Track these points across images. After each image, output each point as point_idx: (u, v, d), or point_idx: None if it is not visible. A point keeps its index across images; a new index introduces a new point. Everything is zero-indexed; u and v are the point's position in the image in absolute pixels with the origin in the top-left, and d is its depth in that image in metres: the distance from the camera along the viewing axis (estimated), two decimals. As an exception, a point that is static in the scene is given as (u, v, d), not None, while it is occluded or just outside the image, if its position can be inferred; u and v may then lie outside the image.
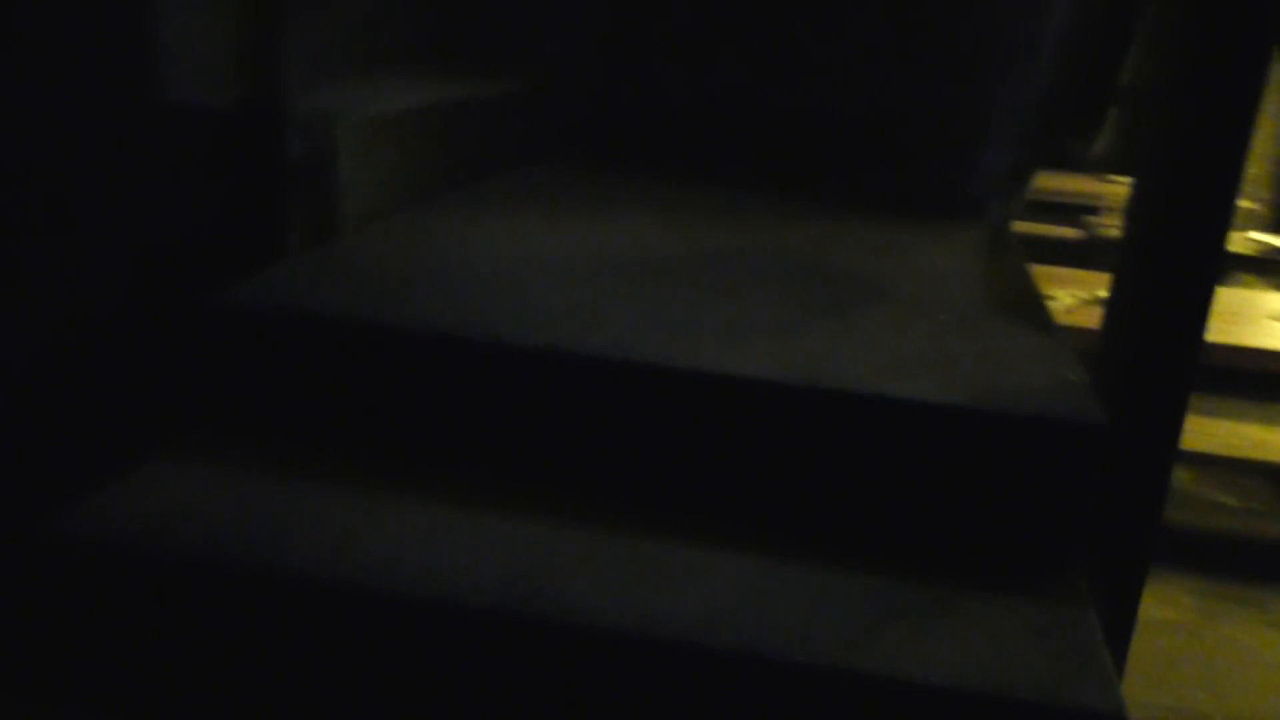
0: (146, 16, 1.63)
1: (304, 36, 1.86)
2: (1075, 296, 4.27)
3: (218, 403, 1.53)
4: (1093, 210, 5.09)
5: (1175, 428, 1.41)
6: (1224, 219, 1.31)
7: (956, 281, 1.87)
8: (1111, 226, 5.07)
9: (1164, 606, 3.26)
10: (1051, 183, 4.76)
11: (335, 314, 1.51)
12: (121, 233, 1.69)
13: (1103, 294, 4.24)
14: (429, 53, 2.41)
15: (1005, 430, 1.30)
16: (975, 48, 2.03)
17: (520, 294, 1.65)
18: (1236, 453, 3.50)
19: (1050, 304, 4.12)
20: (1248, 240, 5.52)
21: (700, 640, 1.17)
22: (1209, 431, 3.74)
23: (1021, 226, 3.12)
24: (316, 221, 1.85)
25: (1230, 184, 1.33)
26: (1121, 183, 4.89)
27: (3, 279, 1.54)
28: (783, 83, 2.35)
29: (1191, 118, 1.26)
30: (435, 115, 2.15)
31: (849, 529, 1.39)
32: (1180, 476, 4.00)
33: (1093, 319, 4.00)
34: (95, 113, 1.62)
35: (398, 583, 1.24)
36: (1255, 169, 6.83)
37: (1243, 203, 6.49)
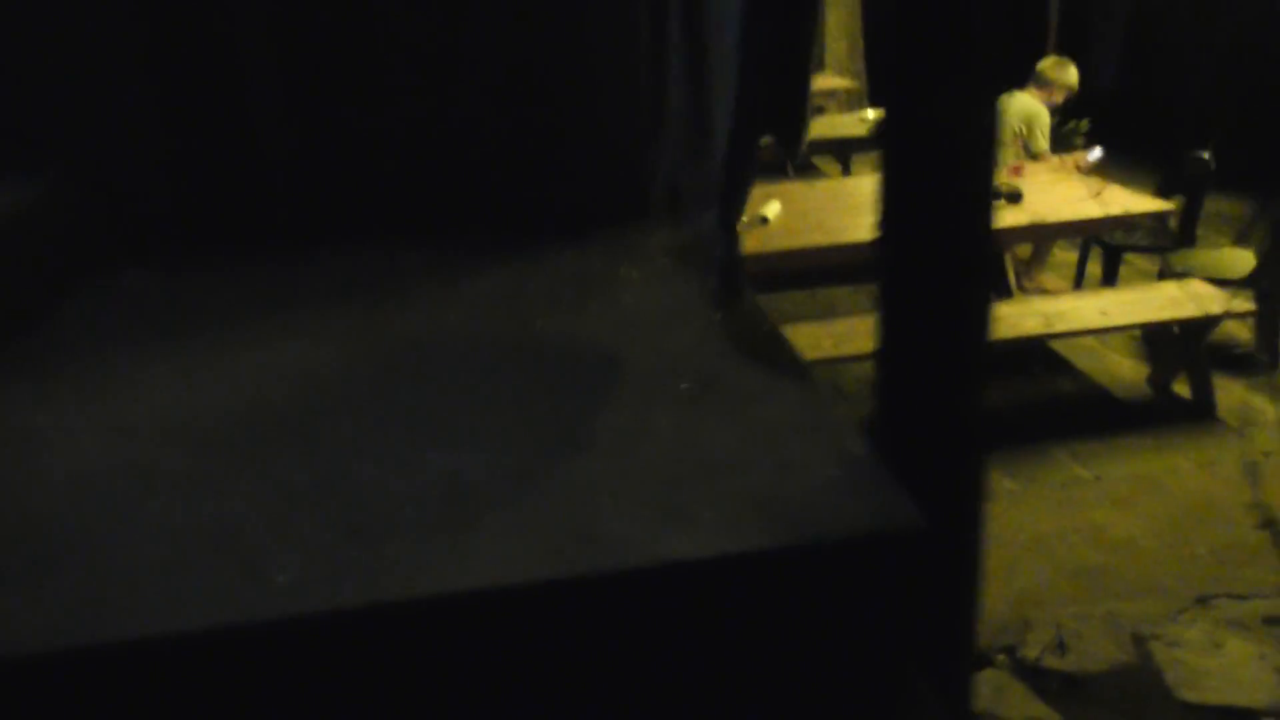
0: None
1: None
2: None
3: None
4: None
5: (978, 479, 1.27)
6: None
7: (679, 324, 1.62)
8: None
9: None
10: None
11: None
12: None
13: (764, 212, 4.22)
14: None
15: (814, 563, 1.08)
16: (608, 53, 1.76)
17: (123, 545, 1.16)
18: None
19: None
20: (861, 120, 5.83)
21: None
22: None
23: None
24: None
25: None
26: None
27: None
28: (411, 106, 1.95)
29: None
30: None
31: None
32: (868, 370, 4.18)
33: (760, 241, 3.99)
34: None
35: None
36: (839, 44, 7.24)
37: (843, 82, 6.87)
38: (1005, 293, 4.19)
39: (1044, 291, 4.49)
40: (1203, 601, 2.60)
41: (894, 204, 1.17)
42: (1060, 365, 4.06)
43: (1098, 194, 3.84)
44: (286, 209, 1.94)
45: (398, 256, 1.92)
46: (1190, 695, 2.23)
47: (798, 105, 1.38)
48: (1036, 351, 4.05)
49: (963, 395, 1.21)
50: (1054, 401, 3.93)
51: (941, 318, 1.17)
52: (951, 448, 1.22)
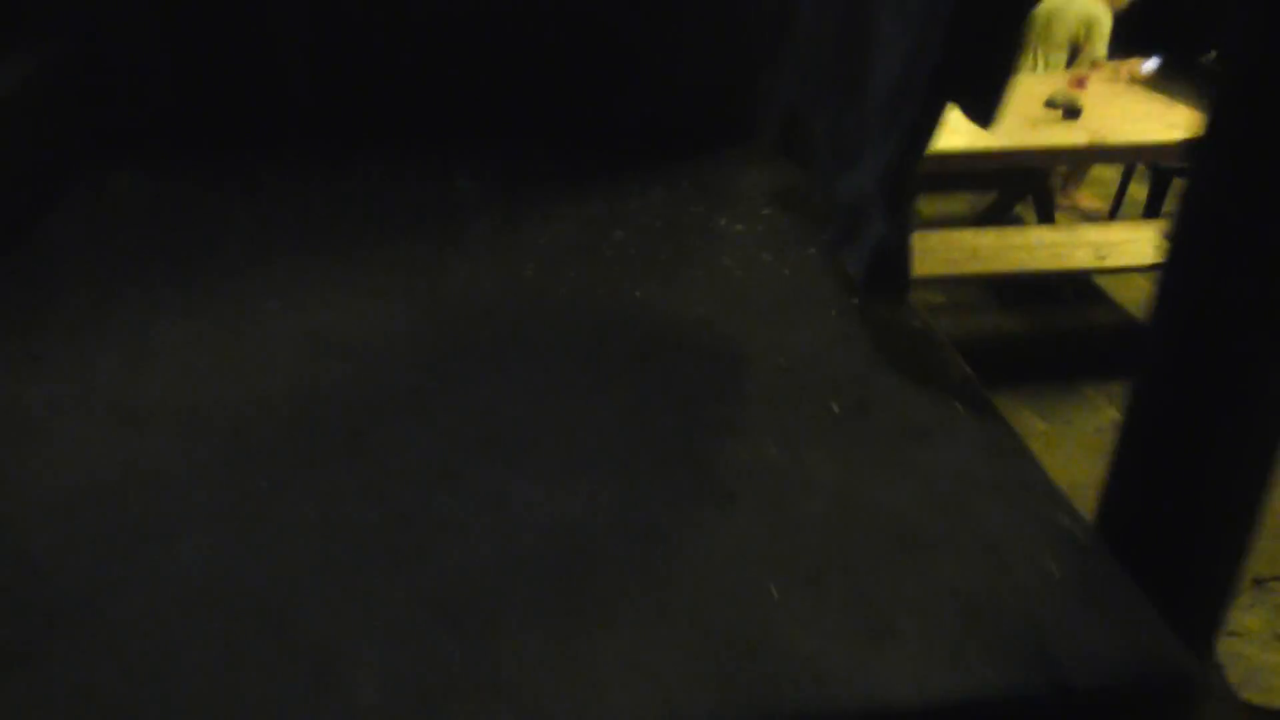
0: None
1: None
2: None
3: None
4: None
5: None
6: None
7: (804, 309, 1.34)
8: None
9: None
10: None
11: None
12: None
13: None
14: None
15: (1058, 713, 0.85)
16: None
17: (137, 618, 0.90)
18: (951, 269, 3.39)
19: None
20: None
21: None
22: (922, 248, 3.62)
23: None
24: None
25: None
26: None
27: None
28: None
29: None
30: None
31: None
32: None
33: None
34: None
35: None
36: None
37: None
38: (1048, 218, 3.91)
39: (1080, 211, 4.23)
40: (1259, 584, 2.47)
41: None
42: (1095, 294, 3.83)
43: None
44: (309, 110, 1.58)
45: (449, 183, 1.59)
46: (1255, 697, 2.12)
47: (1003, 68, 1.08)
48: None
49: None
50: (1089, 335, 3.72)
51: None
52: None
